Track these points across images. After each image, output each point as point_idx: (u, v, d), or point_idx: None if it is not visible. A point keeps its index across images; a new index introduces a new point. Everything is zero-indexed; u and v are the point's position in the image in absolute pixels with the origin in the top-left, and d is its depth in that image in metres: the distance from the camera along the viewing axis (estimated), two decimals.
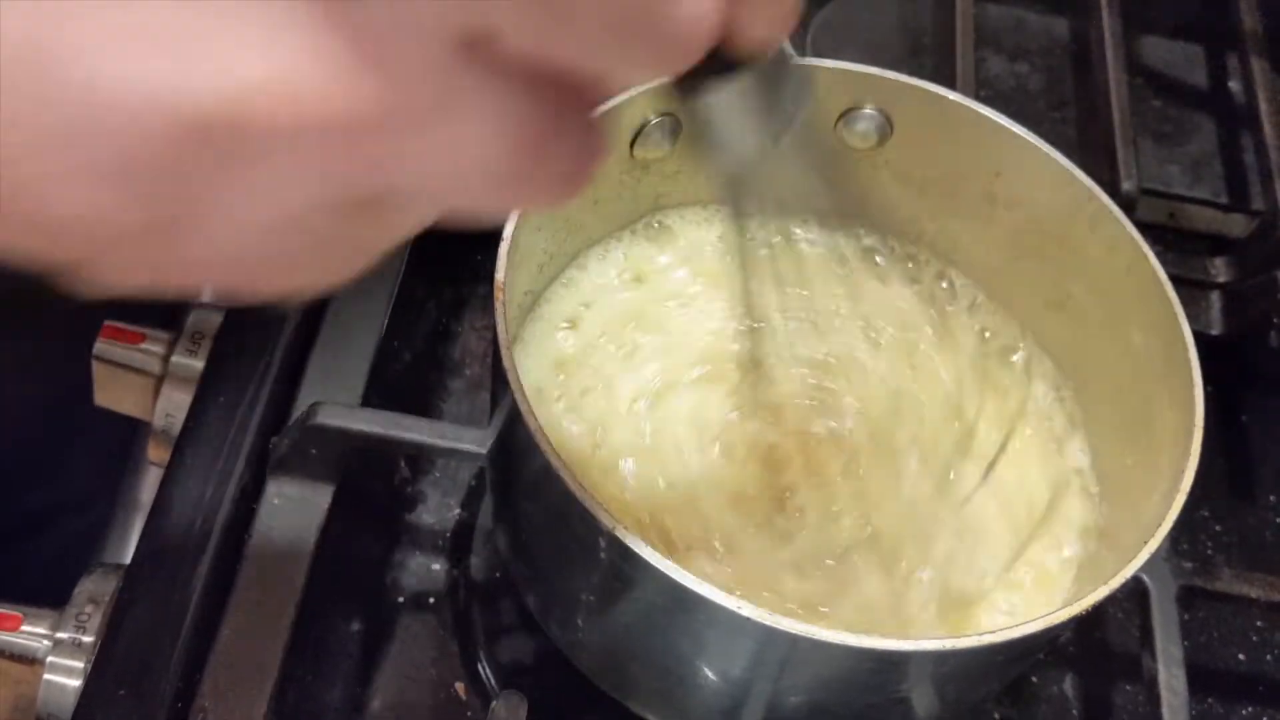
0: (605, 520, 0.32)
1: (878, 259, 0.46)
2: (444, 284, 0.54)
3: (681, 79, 0.24)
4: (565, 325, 0.44)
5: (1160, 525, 0.34)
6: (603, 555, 0.33)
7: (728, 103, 0.25)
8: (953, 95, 0.43)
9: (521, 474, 0.37)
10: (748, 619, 0.32)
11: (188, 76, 0.18)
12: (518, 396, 0.34)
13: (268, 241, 0.20)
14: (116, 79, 0.17)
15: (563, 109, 0.20)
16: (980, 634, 0.33)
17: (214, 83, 0.18)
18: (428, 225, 0.22)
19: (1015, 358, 0.45)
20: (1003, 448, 0.43)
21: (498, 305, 0.36)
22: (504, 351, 0.35)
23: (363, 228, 0.21)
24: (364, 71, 0.18)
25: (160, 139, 0.18)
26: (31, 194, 0.18)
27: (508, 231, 0.37)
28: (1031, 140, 0.42)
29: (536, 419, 0.34)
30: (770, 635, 0.32)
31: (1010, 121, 0.42)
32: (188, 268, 0.21)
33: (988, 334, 0.46)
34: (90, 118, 0.18)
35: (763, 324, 0.42)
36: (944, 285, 0.47)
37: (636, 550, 0.32)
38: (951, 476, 0.42)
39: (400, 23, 0.18)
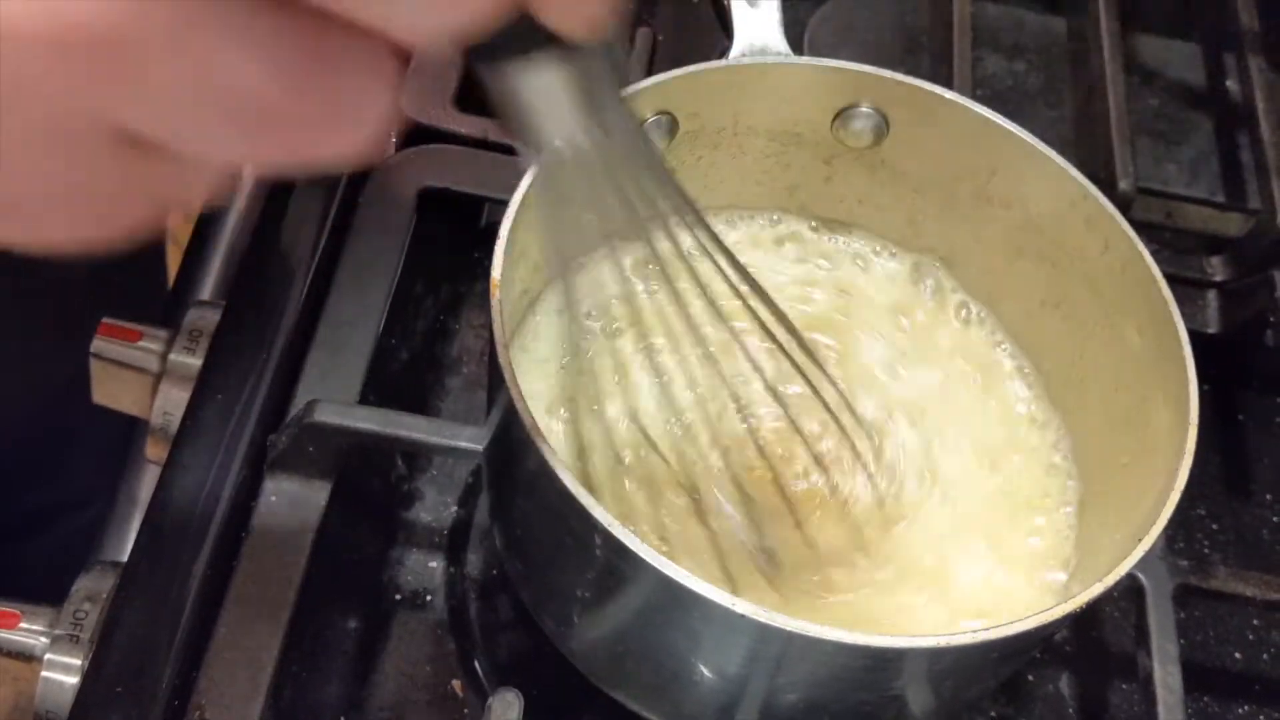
0: (601, 517, 0.32)
1: (868, 261, 0.46)
2: (441, 282, 0.54)
3: (481, 49, 0.23)
4: (565, 323, 0.44)
5: (1154, 523, 0.35)
6: (598, 552, 0.33)
7: (531, 84, 0.24)
8: (949, 94, 0.43)
9: (518, 471, 0.37)
10: (742, 616, 0.32)
11: None
12: (514, 394, 0.34)
13: (28, 179, 0.20)
14: None
15: (336, 44, 0.19)
16: (974, 631, 0.33)
17: None
18: (217, 180, 0.21)
19: (1006, 356, 0.46)
20: (993, 444, 0.43)
21: (494, 303, 0.36)
22: (500, 349, 0.35)
23: (132, 171, 0.20)
24: None
25: None
26: None
27: (504, 229, 0.38)
28: (1027, 139, 0.42)
29: (533, 416, 0.34)
30: (765, 632, 0.33)
31: (1006, 121, 0.42)
32: None
33: (981, 334, 0.46)
34: None
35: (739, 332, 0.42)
36: (936, 285, 0.47)
37: (632, 547, 0.32)
38: (940, 478, 0.42)
39: None
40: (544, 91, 0.24)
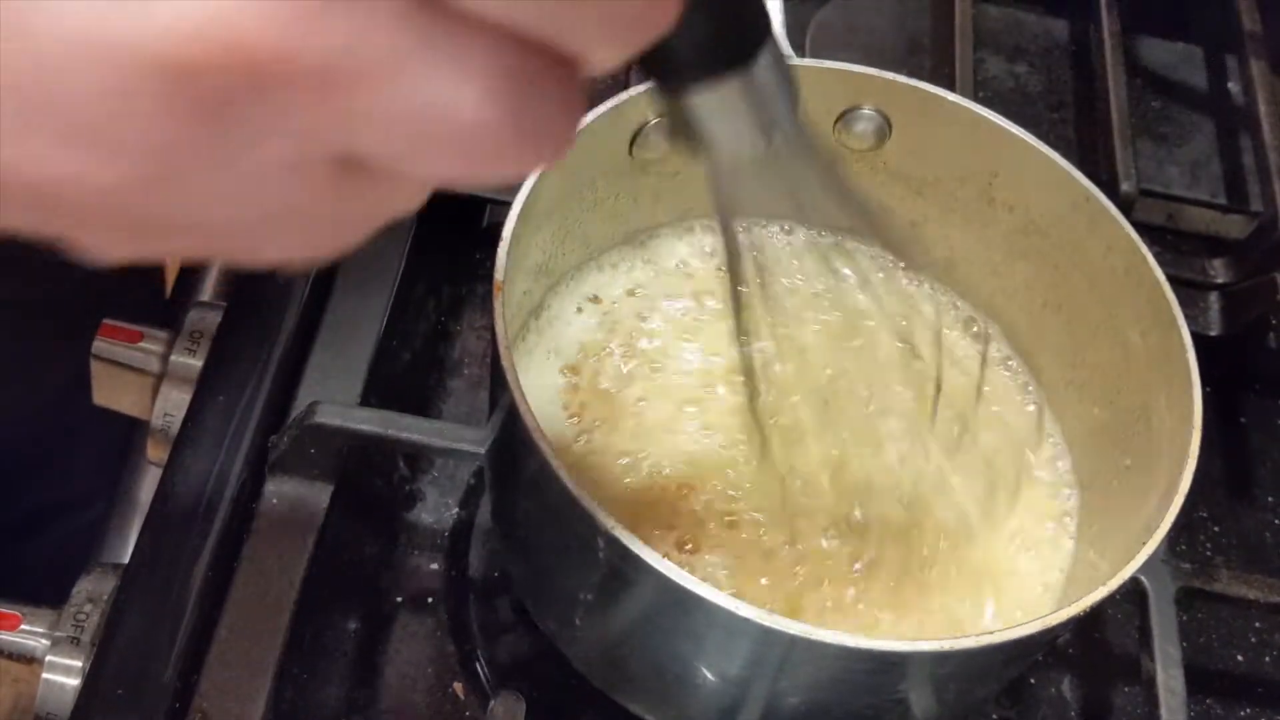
0: (604, 520, 0.32)
1: (871, 266, 0.46)
2: (443, 283, 0.54)
3: (666, 78, 0.24)
4: (566, 325, 0.44)
5: (1158, 526, 0.34)
6: (601, 555, 0.33)
7: (714, 104, 0.24)
8: (951, 96, 0.43)
9: (520, 473, 0.37)
10: (745, 619, 0.32)
11: (137, 20, 0.17)
12: (516, 396, 0.34)
13: (249, 204, 0.20)
14: (70, 27, 0.17)
15: (538, 65, 0.20)
16: (978, 635, 0.33)
17: (165, 26, 0.17)
18: (423, 196, 0.22)
19: (1011, 362, 0.45)
20: (992, 448, 0.43)
21: (496, 305, 0.36)
22: (503, 351, 0.35)
23: (349, 193, 0.21)
24: (320, 18, 0.17)
25: (118, 87, 0.17)
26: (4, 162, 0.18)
27: (507, 231, 0.38)
28: (1030, 141, 0.42)
29: (535, 418, 0.34)
30: (768, 636, 0.32)
31: (1008, 123, 0.42)
32: (171, 232, 0.20)
33: (980, 337, 0.46)
34: (50, 69, 0.17)
35: (755, 340, 0.42)
36: (938, 291, 0.47)
37: (635, 550, 0.32)
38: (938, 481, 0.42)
39: None
40: (720, 110, 0.25)
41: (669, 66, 0.24)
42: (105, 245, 0.21)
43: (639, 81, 0.41)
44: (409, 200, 0.22)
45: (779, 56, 0.25)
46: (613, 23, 0.19)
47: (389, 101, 0.19)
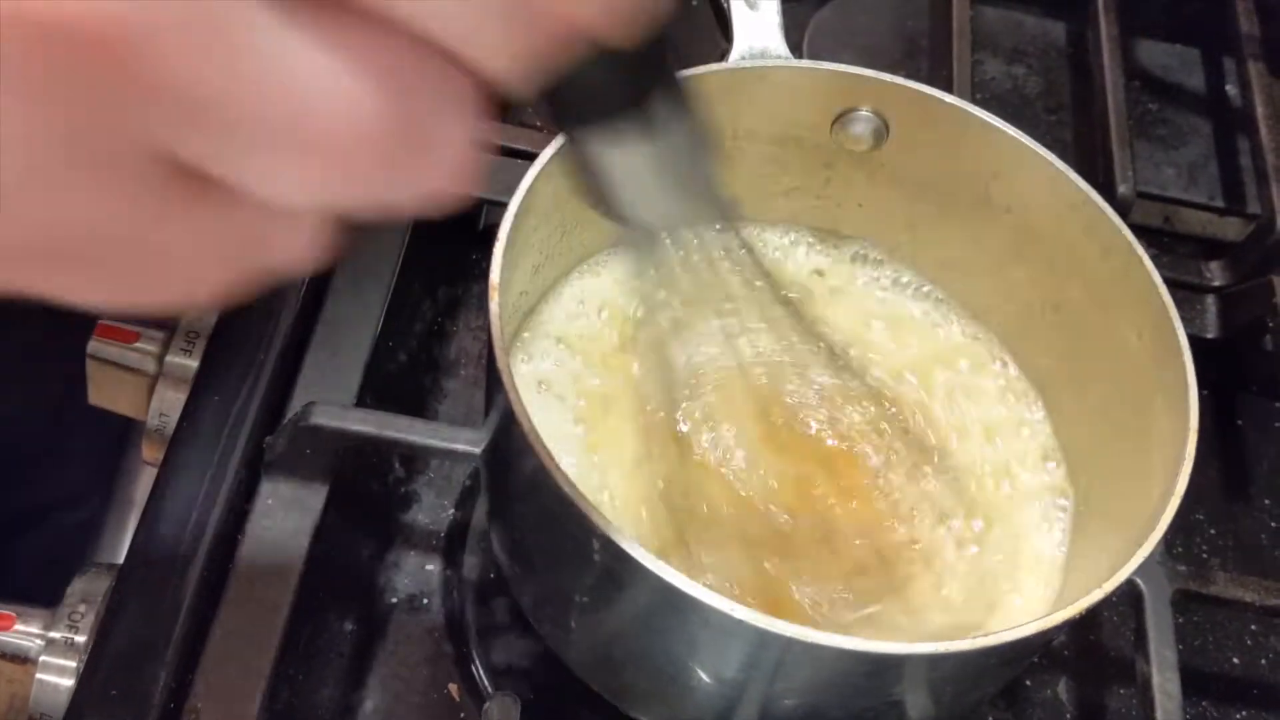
0: (599, 522, 0.32)
1: (864, 268, 0.46)
2: (439, 284, 0.54)
3: (567, 109, 0.22)
4: (563, 327, 0.44)
5: (1154, 529, 0.34)
6: (596, 557, 0.33)
7: (615, 159, 0.23)
8: (949, 98, 0.42)
9: (515, 475, 0.37)
10: (740, 621, 0.31)
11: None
12: (511, 397, 0.34)
13: (86, 213, 0.17)
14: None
15: (430, 68, 0.17)
16: (974, 637, 0.33)
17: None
18: (306, 237, 0.19)
19: (1007, 364, 0.45)
20: (988, 449, 0.43)
21: (492, 305, 0.35)
22: (498, 352, 0.35)
23: (209, 219, 0.18)
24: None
25: None
26: None
27: (503, 232, 0.37)
28: (1027, 143, 0.42)
29: (531, 420, 0.34)
30: (763, 638, 0.32)
31: (1006, 124, 0.42)
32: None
33: (977, 338, 0.46)
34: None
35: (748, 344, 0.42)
36: (928, 289, 0.47)
37: (630, 552, 0.32)
38: (935, 482, 0.42)
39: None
40: (630, 171, 0.23)
41: (569, 112, 0.22)
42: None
43: None
44: (282, 239, 0.18)
45: (692, 120, 0.23)
46: (511, 27, 0.17)
47: (211, 84, 0.15)
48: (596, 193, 0.24)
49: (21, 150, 0.16)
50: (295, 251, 0.19)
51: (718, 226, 0.28)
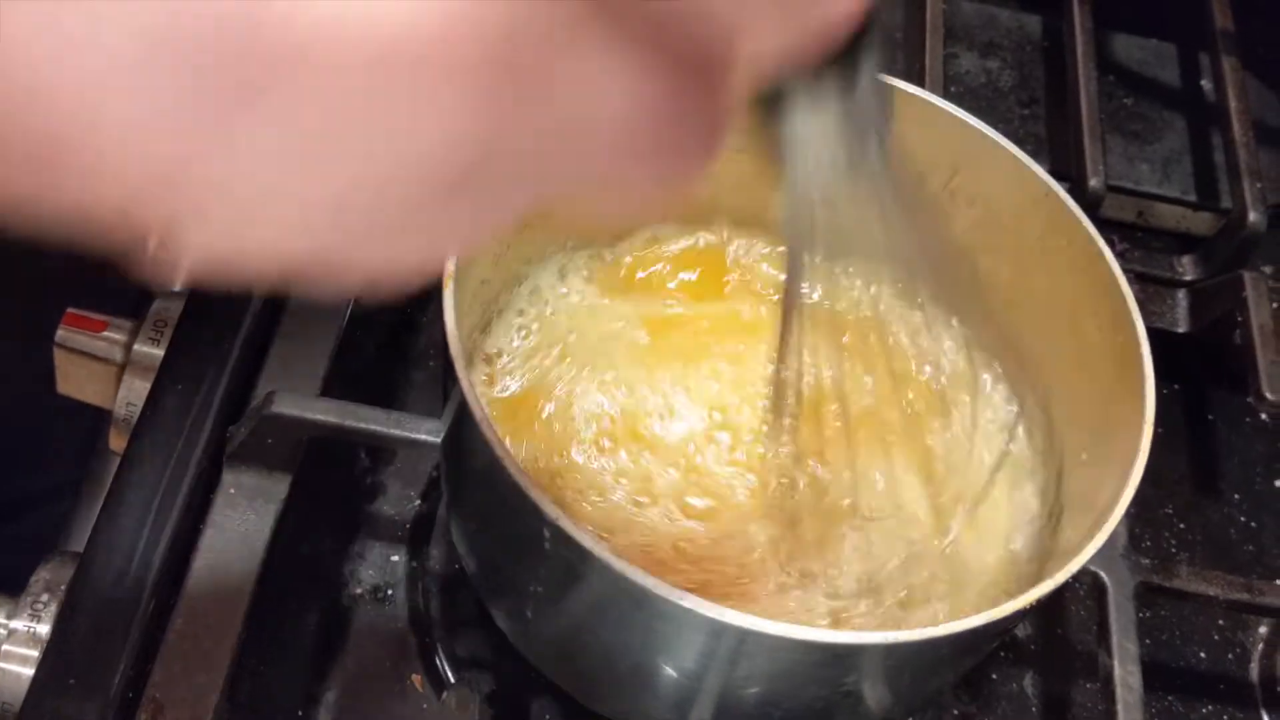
0: (550, 510, 0.32)
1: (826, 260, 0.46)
2: None
3: (765, 101, 0.23)
4: (523, 316, 0.44)
5: (1108, 520, 0.34)
6: (548, 545, 0.33)
7: (811, 128, 0.24)
8: (911, 89, 0.42)
9: (471, 464, 0.37)
10: (690, 610, 0.31)
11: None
12: (464, 384, 0.34)
13: (407, 209, 0.18)
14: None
15: (694, 77, 0.19)
16: (925, 628, 0.33)
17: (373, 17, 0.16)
18: (544, 204, 0.20)
19: (971, 357, 0.45)
20: (951, 442, 0.43)
21: (447, 294, 0.35)
22: (452, 340, 0.35)
23: (476, 196, 0.19)
24: (486, 10, 0.16)
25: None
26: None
27: None
28: (990, 135, 0.42)
29: (484, 409, 0.34)
30: (715, 628, 0.32)
31: (970, 116, 0.42)
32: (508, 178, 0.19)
33: (940, 329, 0.46)
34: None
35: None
36: (890, 281, 0.46)
37: (580, 540, 0.32)
38: (897, 477, 0.42)
39: None
40: (814, 133, 0.24)
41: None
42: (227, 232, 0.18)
43: None
44: (532, 204, 0.20)
45: (882, 86, 0.24)
46: (804, 29, 0.19)
47: (547, 103, 0.17)
48: (777, 149, 0.25)
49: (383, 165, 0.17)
50: (716, 139, 0.20)
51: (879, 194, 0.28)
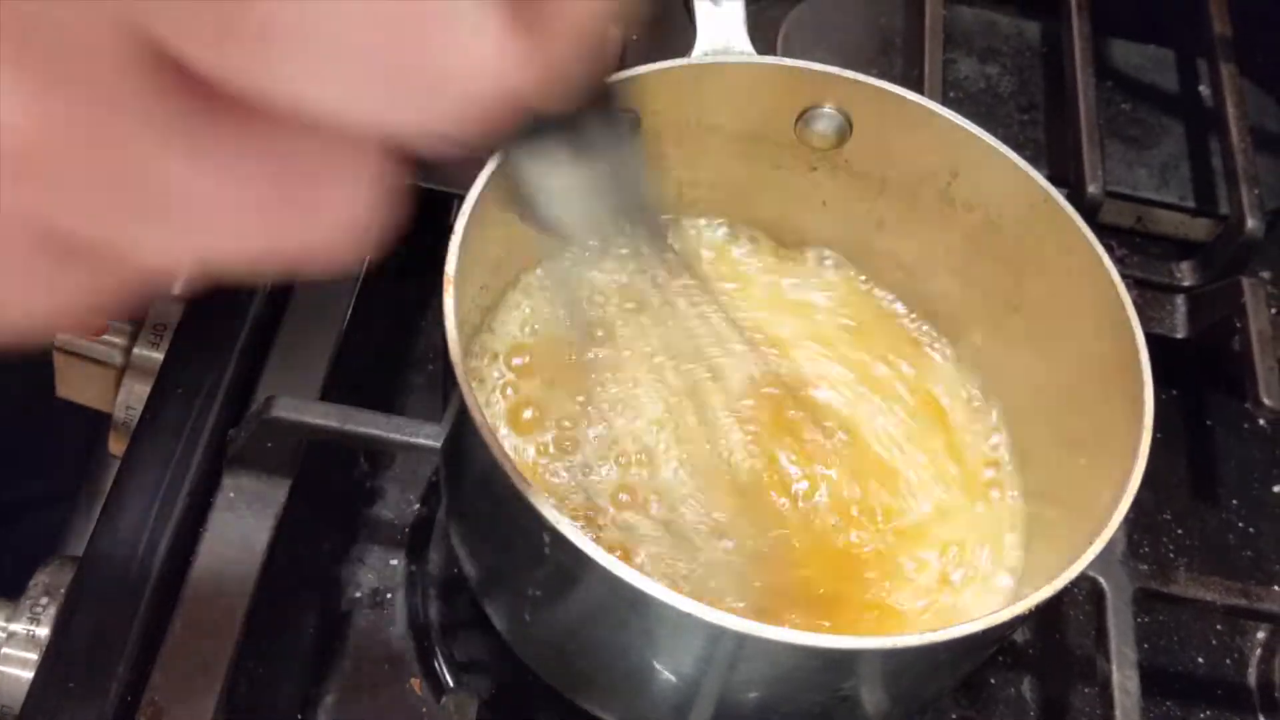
0: (550, 515, 0.32)
1: (825, 265, 0.46)
2: (408, 278, 0.54)
3: (497, 144, 0.22)
4: (524, 322, 0.44)
5: (1107, 525, 0.34)
6: (547, 550, 0.33)
7: (545, 180, 0.22)
8: (910, 95, 0.43)
9: (471, 469, 0.37)
10: (687, 614, 0.31)
11: None
12: (464, 390, 0.34)
13: None
14: None
15: (308, 151, 0.17)
16: (924, 632, 0.33)
17: None
18: (195, 273, 0.18)
19: (968, 362, 0.46)
20: (946, 445, 0.43)
21: (447, 299, 0.35)
22: (452, 345, 0.35)
23: (76, 271, 0.18)
24: (30, 86, 0.16)
25: None
26: None
27: (459, 225, 0.37)
28: (989, 140, 0.42)
29: (483, 414, 0.34)
30: (714, 633, 0.32)
31: (967, 122, 0.42)
32: None
33: (937, 336, 0.46)
34: None
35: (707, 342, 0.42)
36: (888, 286, 0.47)
37: (580, 546, 0.32)
38: (894, 479, 0.42)
39: (69, 30, 0.15)
40: (560, 189, 0.23)
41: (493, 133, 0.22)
42: None
43: None
44: (171, 272, 0.18)
45: (631, 143, 0.23)
46: (424, 104, 0.16)
47: (93, 182, 0.16)
48: (522, 204, 0.24)
49: None
50: (348, 209, 0.18)
51: (645, 236, 0.27)
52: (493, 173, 0.23)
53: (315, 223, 0.17)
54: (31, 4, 0.15)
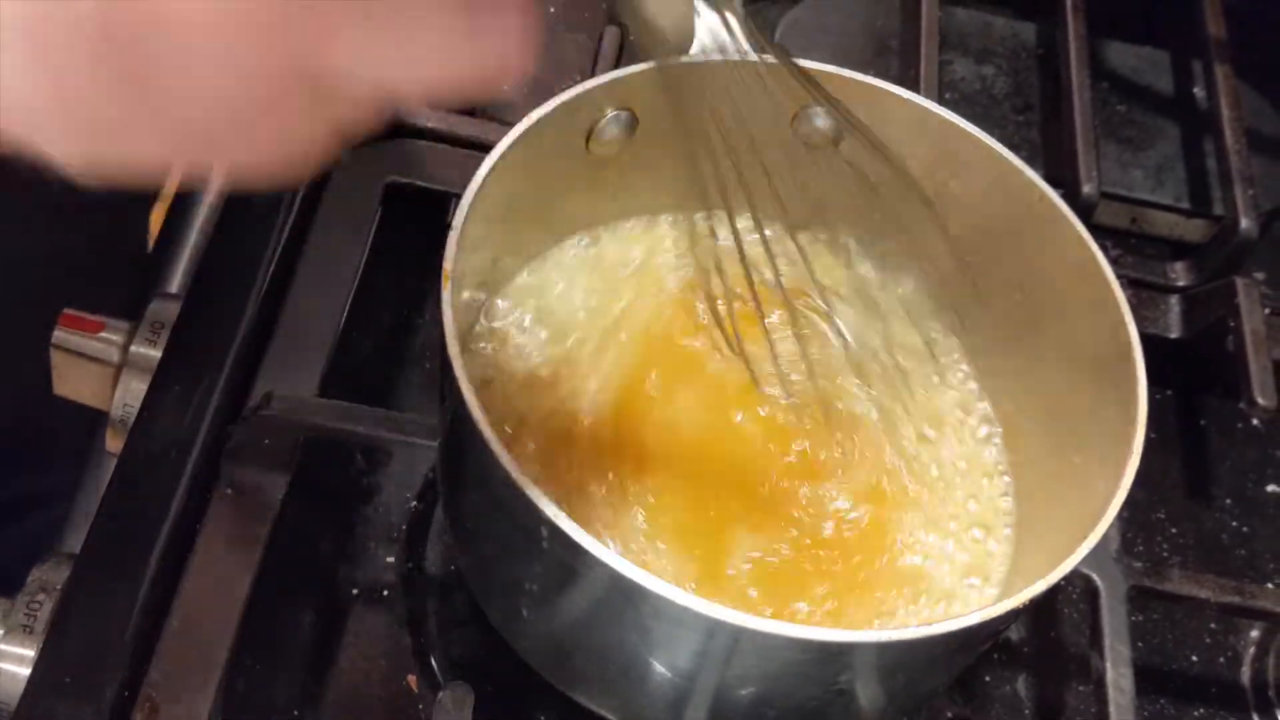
0: (546, 509, 0.32)
1: (819, 265, 0.46)
2: (406, 276, 0.54)
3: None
4: (522, 317, 0.45)
5: (1100, 520, 0.35)
6: (544, 545, 0.33)
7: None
8: (905, 93, 0.43)
9: (467, 464, 0.37)
10: (686, 609, 0.32)
11: None
12: (462, 385, 0.34)
13: (229, 113, 0.22)
14: None
15: None
16: (919, 626, 0.33)
17: None
18: (393, 103, 0.23)
19: (961, 360, 0.46)
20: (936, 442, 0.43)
21: (445, 295, 0.36)
22: (450, 341, 0.35)
23: (312, 98, 0.22)
24: None
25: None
26: None
27: (458, 220, 0.38)
28: (984, 139, 0.42)
29: (481, 409, 0.34)
30: (711, 626, 0.33)
31: (963, 120, 0.43)
32: (141, 133, 0.22)
33: (931, 334, 0.46)
34: None
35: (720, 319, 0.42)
36: (883, 286, 0.47)
37: (577, 539, 0.32)
38: (886, 473, 0.42)
39: None
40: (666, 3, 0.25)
41: None
42: (74, 145, 0.22)
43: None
44: (373, 108, 0.23)
45: None
46: None
47: (362, 26, 0.21)
48: (635, 23, 0.27)
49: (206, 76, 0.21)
50: (520, 32, 0.23)
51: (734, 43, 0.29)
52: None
53: (501, 44, 0.22)
54: None
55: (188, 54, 0.20)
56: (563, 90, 0.40)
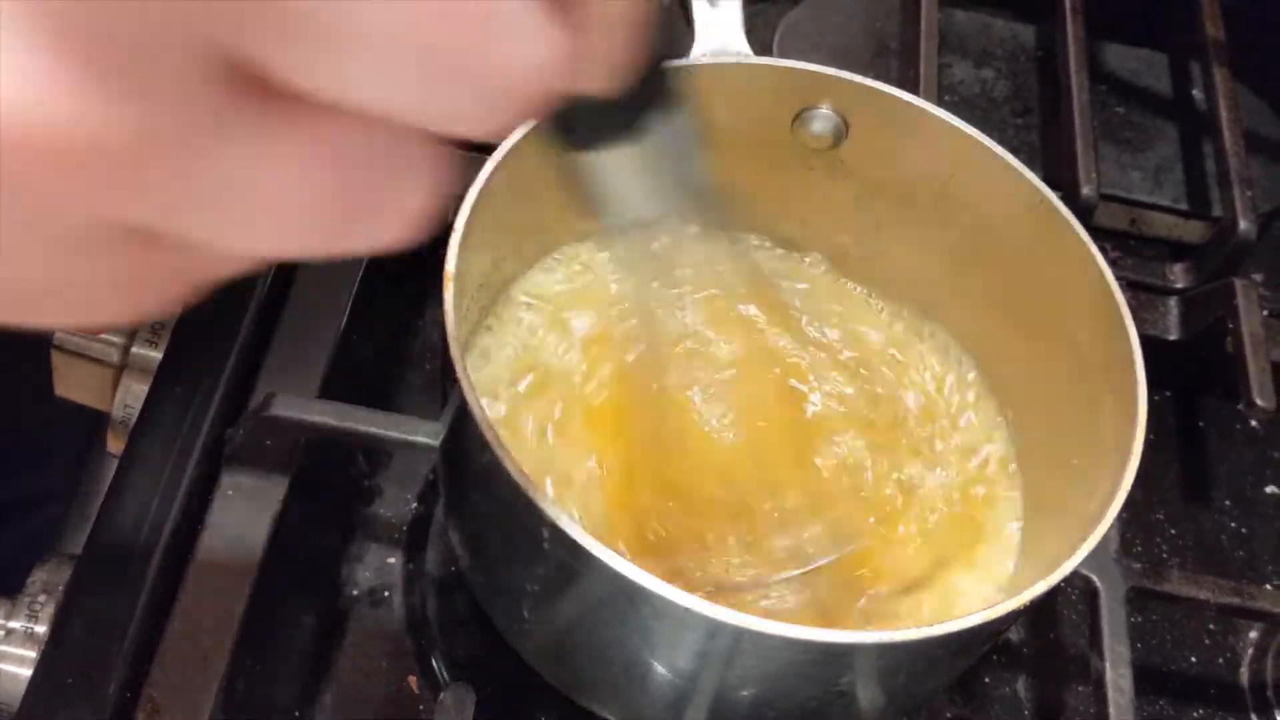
0: (549, 510, 0.32)
1: (820, 266, 0.46)
2: (407, 277, 0.54)
3: (565, 124, 0.23)
4: (524, 319, 0.45)
5: (1100, 522, 0.35)
6: (546, 546, 0.33)
7: (613, 162, 0.23)
8: (906, 96, 0.43)
9: (469, 465, 0.37)
10: (687, 610, 0.32)
11: None
12: (464, 386, 0.34)
13: (36, 272, 0.18)
14: None
15: (374, 144, 0.18)
16: (919, 627, 0.33)
17: None
18: (256, 263, 0.19)
19: (962, 362, 0.46)
20: (940, 448, 0.43)
21: (447, 296, 0.36)
22: (452, 343, 0.35)
23: (150, 262, 0.19)
24: (106, 94, 0.16)
25: None
26: None
27: (459, 222, 0.38)
28: (984, 141, 0.42)
29: (483, 410, 0.34)
30: (712, 627, 0.33)
31: (963, 123, 0.43)
32: None
33: (932, 336, 0.46)
34: None
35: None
36: (883, 287, 0.47)
37: (579, 540, 0.32)
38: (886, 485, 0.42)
39: (142, 42, 0.16)
40: (614, 174, 0.23)
41: (555, 122, 0.23)
42: None
43: None
44: (218, 267, 0.19)
45: (686, 122, 0.24)
46: (481, 104, 0.17)
47: (174, 182, 0.17)
48: (579, 192, 0.24)
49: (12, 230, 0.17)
50: (411, 197, 0.19)
51: (705, 221, 0.28)
52: (545, 153, 0.23)
53: (380, 211, 0.18)
54: (100, 11, 0.16)
55: None
56: None
